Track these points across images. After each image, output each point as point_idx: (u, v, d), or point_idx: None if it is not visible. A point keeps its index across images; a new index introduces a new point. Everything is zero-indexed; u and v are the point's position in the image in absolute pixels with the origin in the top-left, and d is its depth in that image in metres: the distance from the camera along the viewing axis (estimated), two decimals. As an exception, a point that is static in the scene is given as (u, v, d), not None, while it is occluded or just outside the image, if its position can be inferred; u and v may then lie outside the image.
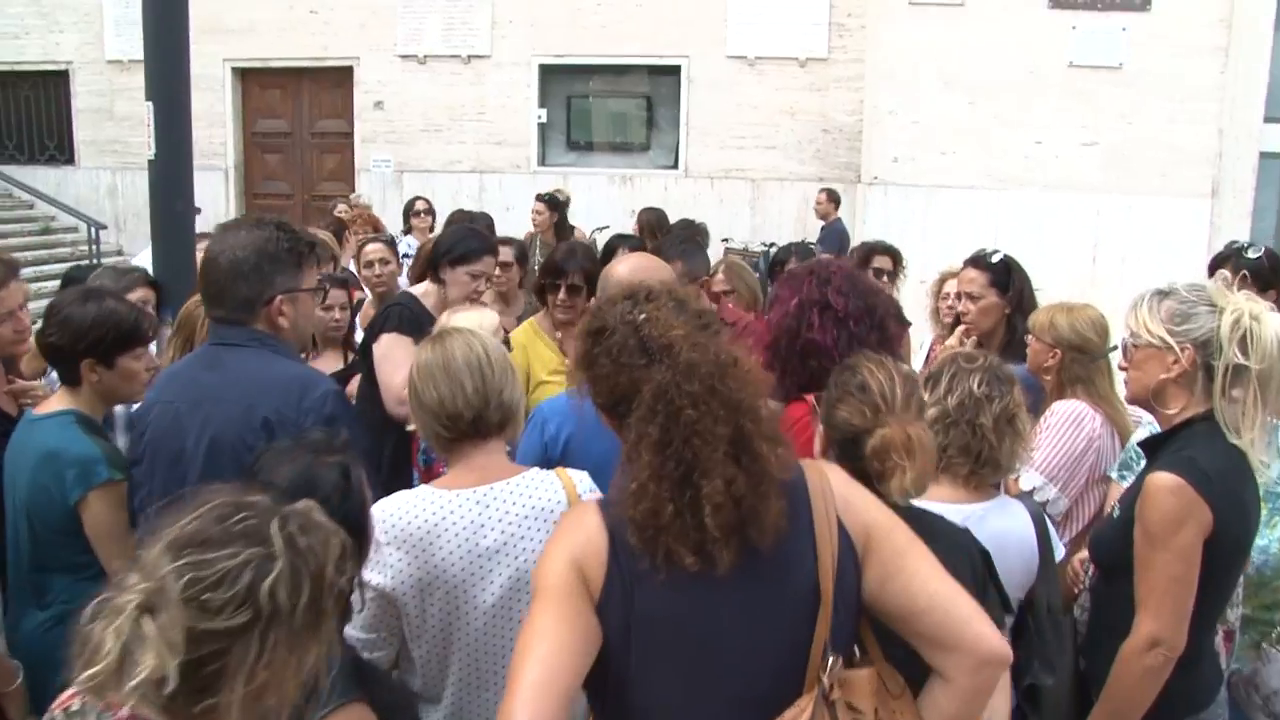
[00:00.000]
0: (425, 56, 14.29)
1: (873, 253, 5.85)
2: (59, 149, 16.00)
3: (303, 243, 2.59)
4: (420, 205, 9.62)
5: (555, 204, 8.56)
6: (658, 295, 1.83)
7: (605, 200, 13.41)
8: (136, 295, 3.90)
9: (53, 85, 15.78)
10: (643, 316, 1.78)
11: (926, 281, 5.70)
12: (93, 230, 13.85)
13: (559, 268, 4.11)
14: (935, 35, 11.42)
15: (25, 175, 15.73)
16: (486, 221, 8.53)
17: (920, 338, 6.48)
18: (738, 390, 1.67)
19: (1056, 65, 11.22)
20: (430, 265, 4.19)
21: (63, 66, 15.61)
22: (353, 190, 14.41)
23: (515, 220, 10.41)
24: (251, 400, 2.42)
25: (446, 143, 14.49)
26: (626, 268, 2.83)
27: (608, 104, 14.54)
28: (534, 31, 13.95)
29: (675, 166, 14.07)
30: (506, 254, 5.46)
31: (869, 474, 2.13)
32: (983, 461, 2.52)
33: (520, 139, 14.35)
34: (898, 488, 2.09)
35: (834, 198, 12.14)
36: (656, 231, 7.55)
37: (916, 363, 5.71)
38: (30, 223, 15.45)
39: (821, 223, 12.07)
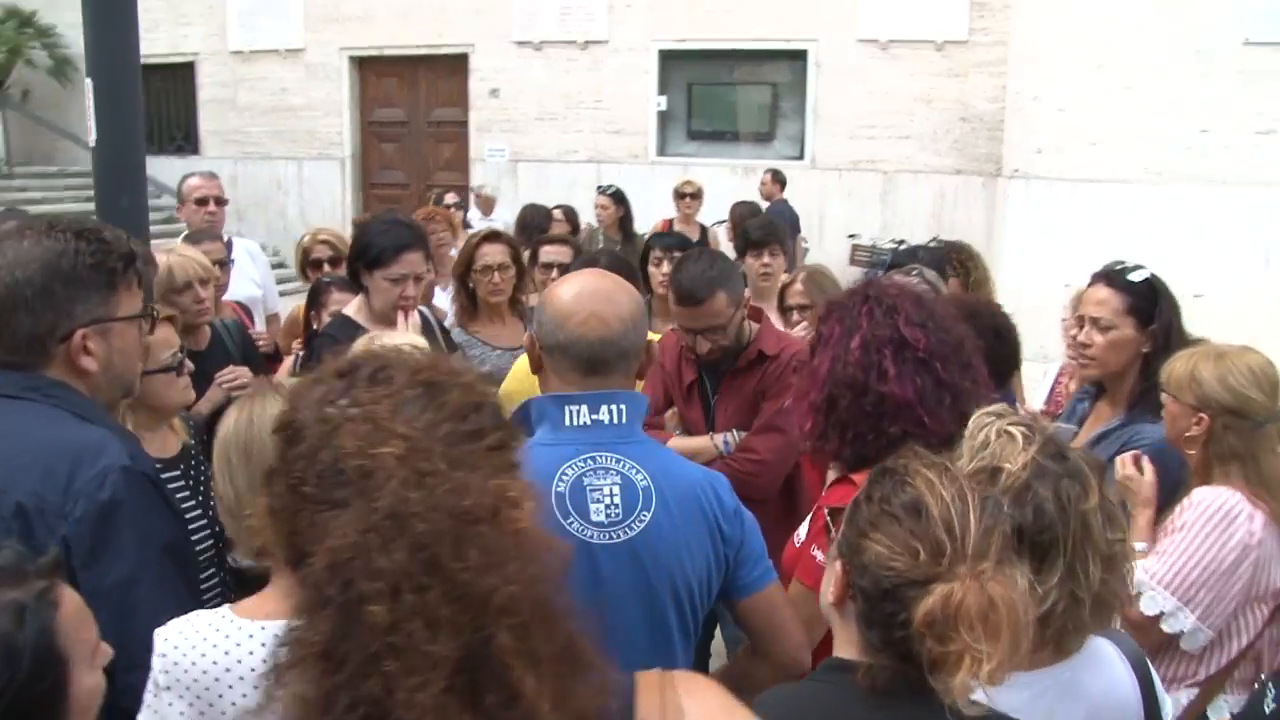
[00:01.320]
0: (541, 42, 13.75)
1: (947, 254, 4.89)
2: (185, 139, 16.12)
3: (115, 256, 1.90)
4: (450, 199, 8.97)
5: (620, 199, 7.83)
6: (392, 375, 1.09)
7: (728, 193, 12.55)
8: None
9: (180, 77, 15.89)
10: (353, 411, 1.04)
11: (1071, 286, 4.65)
12: (206, 221, 13.80)
13: None
14: (1088, 13, 10.23)
15: (155, 165, 15.81)
16: (569, 211, 7.90)
17: (1045, 365, 5.47)
18: (485, 571, 0.93)
19: (1228, 44, 9.88)
20: (350, 274, 3.53)
21: (189, 58, 15.67)
22: (467, 180, 14.02)
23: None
24: (5, 479, 1.76)
25: (562, 131, 13.94)
26: (573, 290, 2.07)
27: (731, 91, 13.74)
28: (653, 15, 13.27)
29: (801, 157, 13.18)
30: (559, 254, 4.76)
31: (912, 654, 1.36)
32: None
33: (638, 128, 13.70)
34: (964, 685, 1.30)
35: (779, 178, 11.07)
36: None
37: (1036, 400, 4.74)
38: (156, 211, 15.57)
39: (766, 203, 10.93)
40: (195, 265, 3.60)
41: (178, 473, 2.62)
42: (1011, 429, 1.77)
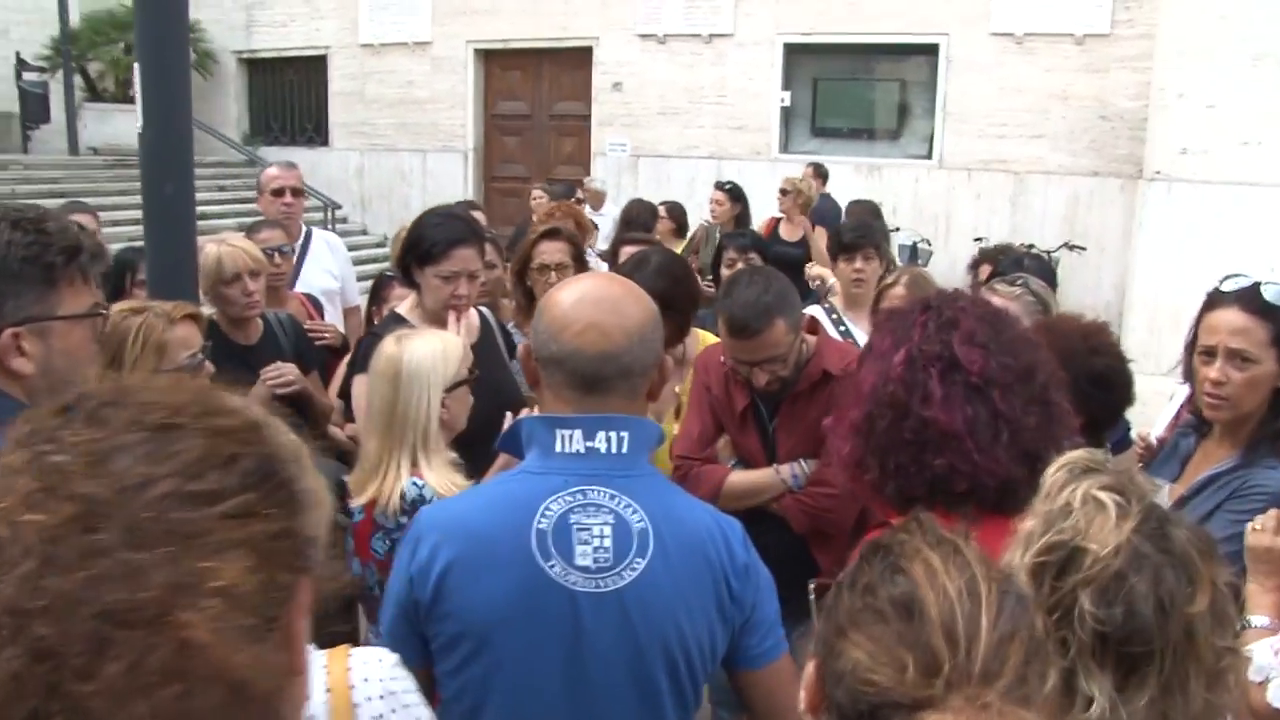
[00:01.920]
0: (665, 36, 13.54)
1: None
2: (316, 131, 16.42)
3: (55, 249, 1.74)
4: (537, 193, 8.78)
5: (738, 195, 7.57)
6: (112, 414, 0.82)
7: (852, 193, 12.18)
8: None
9: (313, 69, 16.20)
10: (57, 459, 0.78)
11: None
12: (330, 210, 14.02)
13: None
14: (1242, 3, 9.52)
15: (285, 156, 16.18)
16: (673, 208, 7.66)
17: (1171, 385, 4.97)
18: (127, 697, 0.68)
19: (1403, 36, 9.09)
20: (402, 270, 3.35)
21: (321, 51, 15.95)
22: (587, 174, 13.90)
23: (755, 210, 9.37)
24: None
25: (684, 126, 13.70)
26: (573, 296, 1.82)
27: (857, 87, 13.29)
28: (779, 8, 12.92)
29: (929, 156, 12.67)
30: (641, 254, 4.50)
31: None
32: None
33: (761, 124, 13.36)
34: None
35: (820, 172, 10.48)
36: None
37: (1158, 425, 4.27)
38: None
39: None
40: (245, 256, 3.48)
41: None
42: (1101, 495, 1.38)
